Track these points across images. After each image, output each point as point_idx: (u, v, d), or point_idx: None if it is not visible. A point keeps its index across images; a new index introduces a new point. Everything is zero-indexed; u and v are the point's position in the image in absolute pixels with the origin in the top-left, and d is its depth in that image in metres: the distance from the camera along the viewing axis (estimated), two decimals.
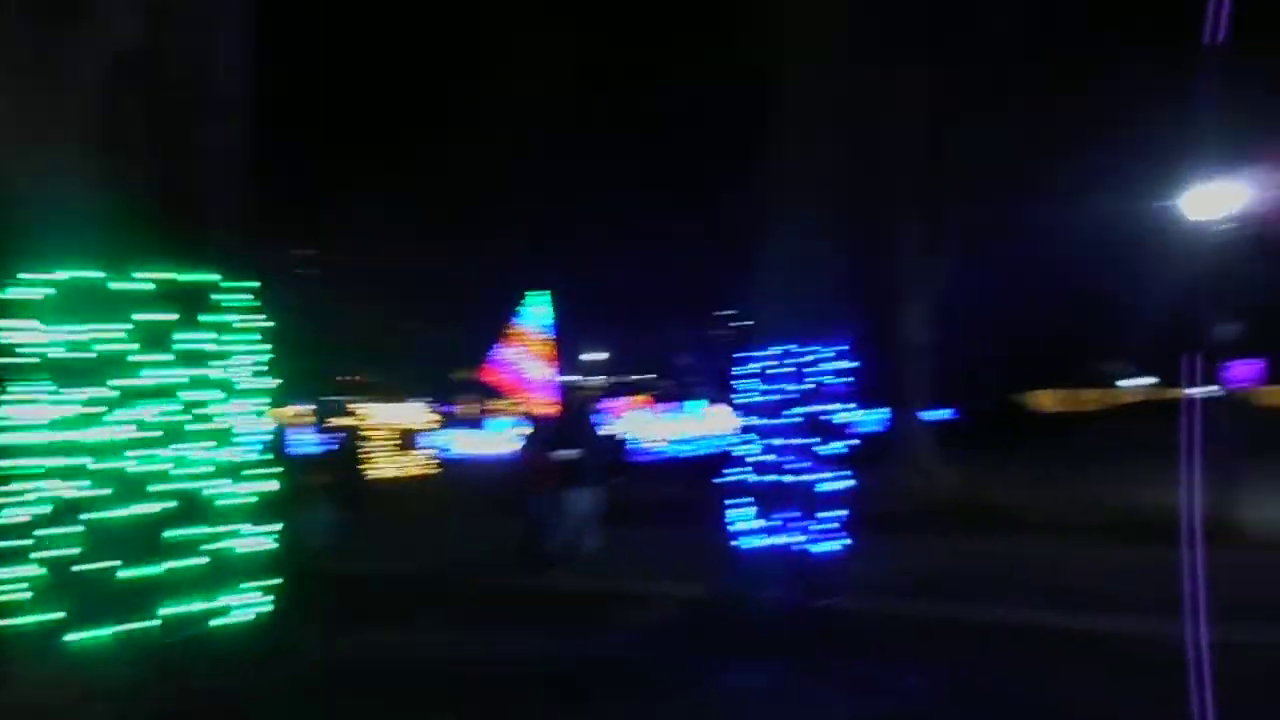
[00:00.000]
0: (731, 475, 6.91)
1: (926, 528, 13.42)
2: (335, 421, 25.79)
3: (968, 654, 7.26)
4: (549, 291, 21.04)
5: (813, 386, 6.51)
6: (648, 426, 34.21)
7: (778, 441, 6.57)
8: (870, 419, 35.84)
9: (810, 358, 6.51)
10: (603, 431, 18.85)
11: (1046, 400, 48.09)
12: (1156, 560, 10.39)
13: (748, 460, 6.76)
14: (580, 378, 41.66)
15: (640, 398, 38.70)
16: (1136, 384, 55.68)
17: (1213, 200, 12.05)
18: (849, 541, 6.66)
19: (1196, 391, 13.16)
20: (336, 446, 20.49)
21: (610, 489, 11.53)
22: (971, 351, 35.86)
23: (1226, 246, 12.30)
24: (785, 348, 6.57)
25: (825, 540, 6.55)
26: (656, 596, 8.90)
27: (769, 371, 6.65)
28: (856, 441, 6.78)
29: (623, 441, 25.60)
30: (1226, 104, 12.03)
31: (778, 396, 6.59)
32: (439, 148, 25.85)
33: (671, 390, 40.14)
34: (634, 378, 44.91)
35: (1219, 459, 12.57)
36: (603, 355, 43.34)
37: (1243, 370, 31.82)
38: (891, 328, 17.69)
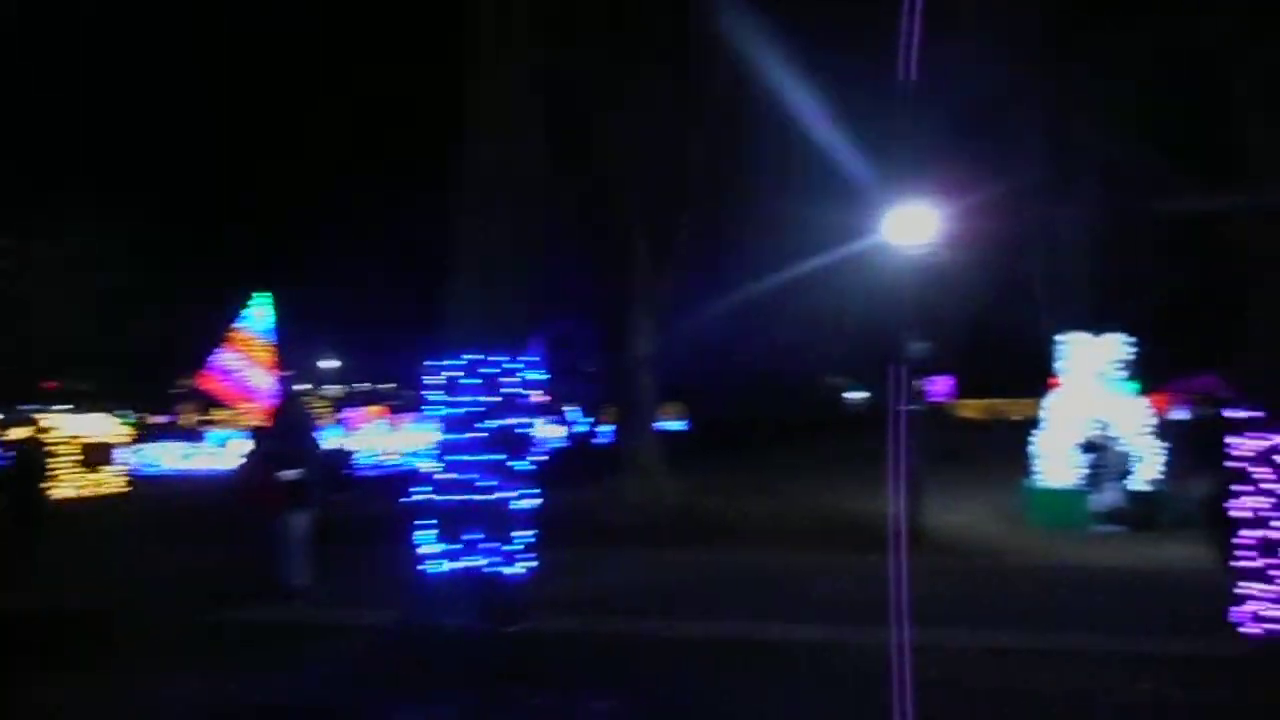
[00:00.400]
0: (417, 494, 6.38)
1: (649, 540, 13.45)
2: (16, 433, 22.71)
3: (665, 673, 7.13)
4: (271, 292, 19.49)
5: (500, 399, 6.10)
6: (384, 438, 32.80)
7: (463, 458, 6.11)
8: (579, 429, 36.22)
9: (498, 369, 6.10)
10: (325, 444, 17.65)
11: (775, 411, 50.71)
12: (861, 566, 11.00)
13: (433, 478, 6.25)
14: (311, 386, 39.47)
15: (377, 408, 37.12)
16: (857, 397, 60.08)
17: (908, 225, 12.83)
18: (536, 563, 6.29)
19: (901, 405, 14.03)
20: (8, 462, 17.92)
21: (329, 507, 10.59)
22: (703, 364, 37.22)
23: (919, 270, 13.14)
24: (473, 358, 6.12)
25: (514, 562, 6.15)
26: (350, 627, 8.22)
27: (455, 382, 6.18)
28: (545, 457, 6.44)
29: (347, 455, 24.26)
30: (919, 136, 12.97)
31: (463, 410, 6.13)
32: (156, 138, 23.75)
33: (412, 400, 38.84)
34: (371, 386, 43.09)
35: (913, 468, 13.41)
36: (336, 363, 41.28)
37: (941, 385, 34.92)
38: (622, 340, 17.79)
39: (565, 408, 40.41)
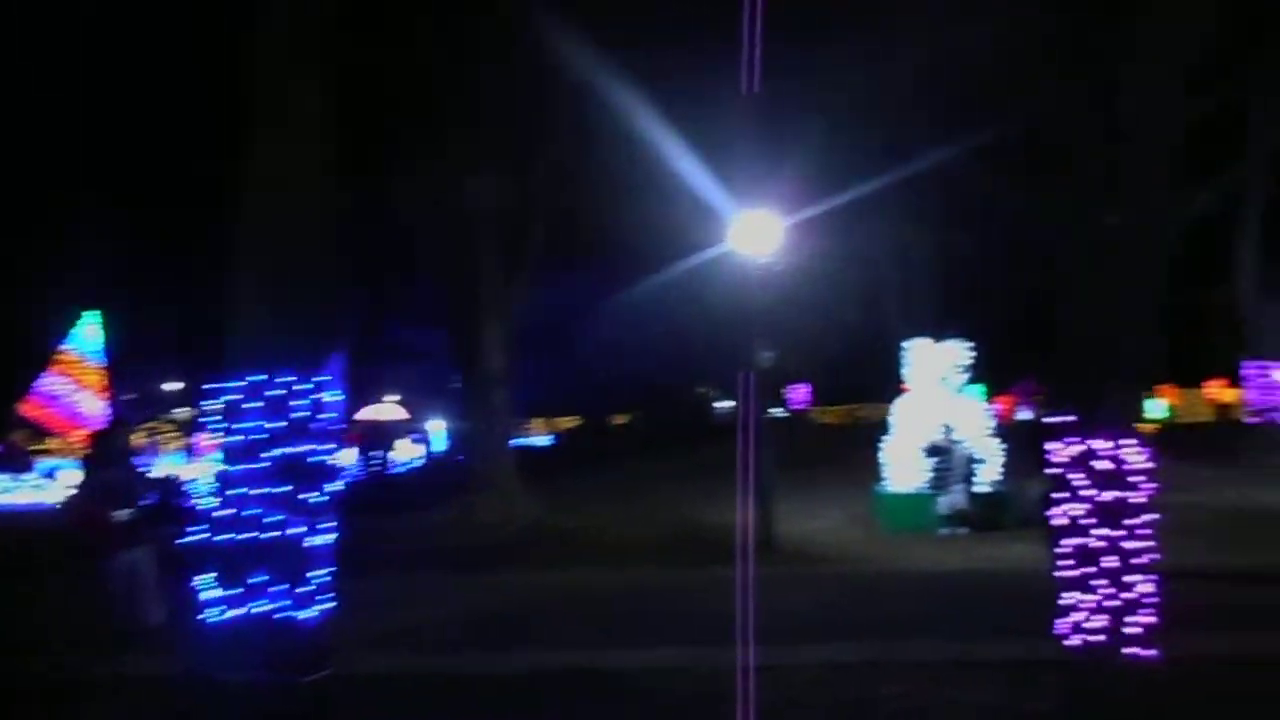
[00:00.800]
0: (195, 532, 5.71)
1: (493, 563, 12.92)
2: None
3: (478, 715, 6.71)
4: (100, 310, 18.18)
5: (289, 424, 5.51)
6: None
7: (246, 491, 5.50)
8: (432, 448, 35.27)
9: (286, 391, 5.52)
10: (155, 473, 16.38)
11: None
12: (710, 581, 10.76)
13: (212, 514, 5.60)
14: (155, 410, 37.23)
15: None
16: (725, 406, 60.69)
17: (754, 234, 12.73)
18: (334, 604, 5.71)
19: (750, 412, 13.91)
20: None
21: (164, 540, 9.64)
22: (564, 376, 36.84)
23: (766, 278, 13.07)
24: (256, 378, 5.52)
25: (308, 604, 5.56)
26: (129, 678, 7.47)
27: (237, 406, 5.56)
28: (340, 486, 5.87)
29: (180, 484, 22.72)
30: (763, 148, 12.90)
31: (245, 437, 5.52)
32: None
33: None
34: None
35: (765, 477, 13.30)
36: (181, 384, 39.03)
37: (800, 393, 35.48)
38: (475, 353, 17.20)
39: (427, 425, 39.33)
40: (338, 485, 5.85)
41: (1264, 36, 21.11)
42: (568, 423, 46.93)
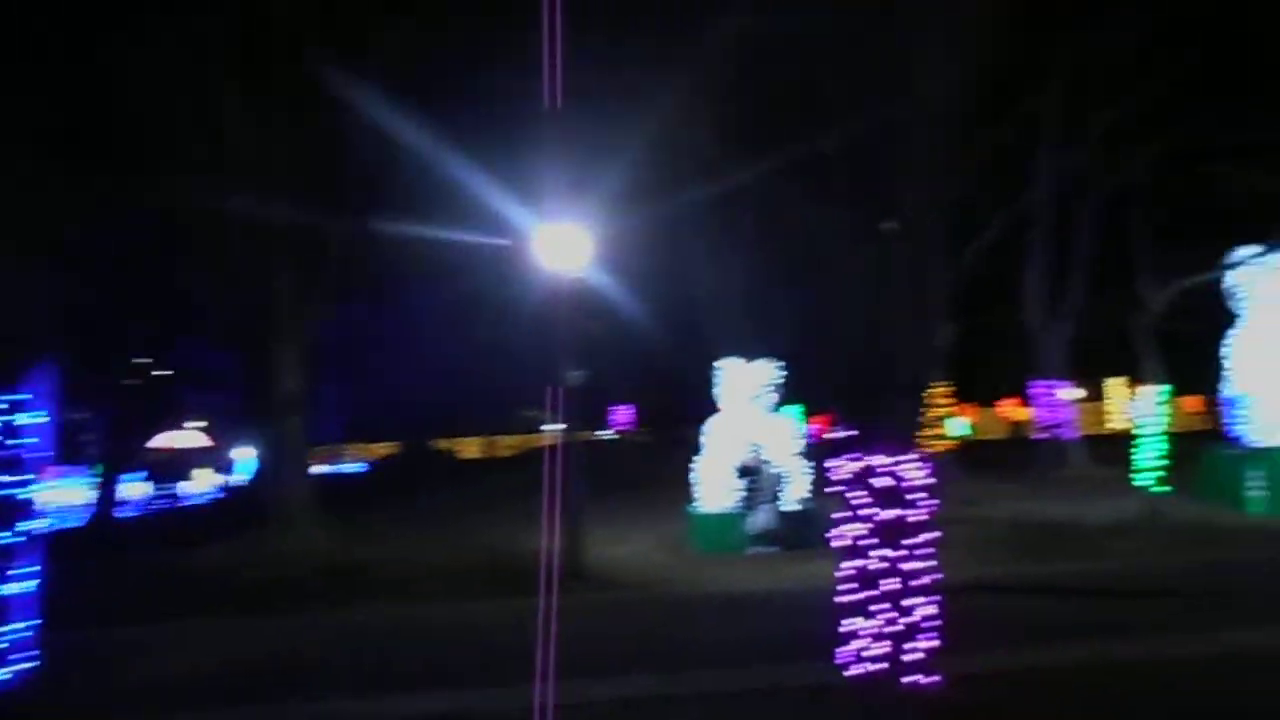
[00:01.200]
0: None
1: (275, 601, 11.88)
2: None
3: None
4: None
5: None
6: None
7: None
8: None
9: None
10: None
11: (468, 447, 49.48)
12: (511, 613, 10.20)
13: None
14: None
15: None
16: (553, 429, 60.04)
17: (559, 250, 12.35)
18: (38, 663, 4.85)
19: (559, 434, 13.46)
20: None
21: None
22: (381, 400, 35.44)
23: (573, 295, 12.70)
24: None
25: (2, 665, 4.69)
26: None
27: None
28: (42, 524, 5.03)
29: None
30: (566, 162, 12.55)
31: None
32: None
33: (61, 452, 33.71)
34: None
35: (575, 500, 12.87)
36: None
37: (623, 414, 35.36)
38: (268, 376, 16.03)
39: (233, 452, 37.00)
40: (37, 523, 5.01)
41: (1049, 73, 22.65)
42: (385, 449, 45.26)
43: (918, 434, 5.95)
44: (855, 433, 4.84)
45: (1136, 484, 14.95)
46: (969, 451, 32.00)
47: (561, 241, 12.33)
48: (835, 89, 11.18)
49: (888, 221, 5.29)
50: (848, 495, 5.11)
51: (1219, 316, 17.07)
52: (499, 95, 14.54)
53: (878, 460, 5.09)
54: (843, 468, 5.18)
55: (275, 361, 15.77)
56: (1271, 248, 16.05)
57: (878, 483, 5.07)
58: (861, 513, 5.07)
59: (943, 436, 24.12)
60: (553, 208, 12.26)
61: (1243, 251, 16.52)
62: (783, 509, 14.31)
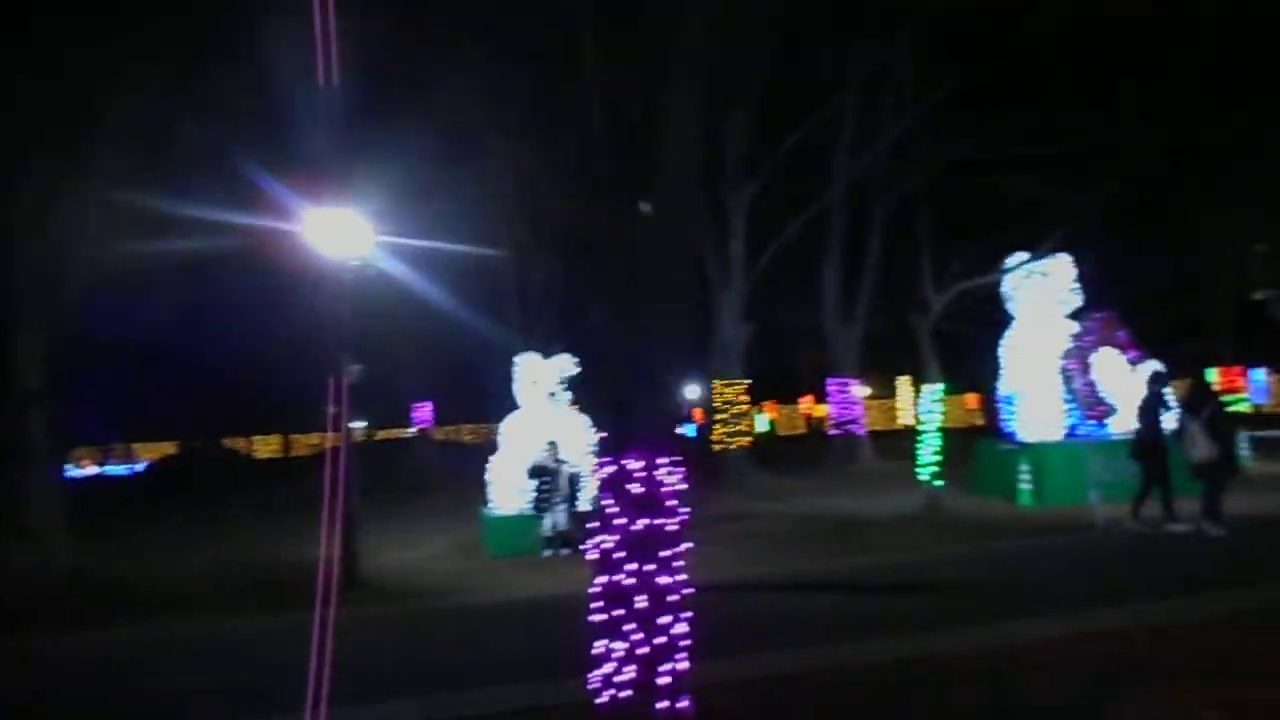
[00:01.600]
0: None
1: (7, 624, 10.46)
2: None
3: None
4: None
5: None
6: None
7: None
8: None
9: None
10: None
11: (262, 447, 46.82)
12: (278, 632, 9.32)
13: None
14: None
15: None
16: (356, 426, 57.68)
17: (335, 237, 11.50)
18: None
19: (340, 431, 12.52)
20: None
21: None
22: (161, 396, 32.76)
23: (350, 285, 11.88)
24: None
25: None
26: None
27: None
28: None
29: None
30: (342, 143, 11.70)
31: None
32: None
33: None
34: None
35: (351, 505, 12.02)
36: None
37: (423, 411, 34.21)
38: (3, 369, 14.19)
39: None
40: None
41: (845, 80, 23.39)
42: (170, 447, 42.06)
43: (671, 435, 5.64)
44: (605, 434, 4.49)
45: (919, 478, 15.49)
46: (769, 447, 32.88)
47: (336, 227, 11.48)
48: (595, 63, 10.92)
49: (644, 202, 4.97)
50: (602, 503, 4.71)
51: (996, 318, 17.99)
52: (278, 73, 13.46)
53: (631, 464, 4.71)
54: (601, 472, 4.78)
55: (12, 352, 13.99)
56: (1038, 254, 17.01)
57: (632, 489, 4.70)
58: (615, 523, 4.68)
59: (745, 433, 24.49)
60: (327, 192, 11.37)
61: (1015, 257, 17.44)
62: (577, 510, 13.91)
